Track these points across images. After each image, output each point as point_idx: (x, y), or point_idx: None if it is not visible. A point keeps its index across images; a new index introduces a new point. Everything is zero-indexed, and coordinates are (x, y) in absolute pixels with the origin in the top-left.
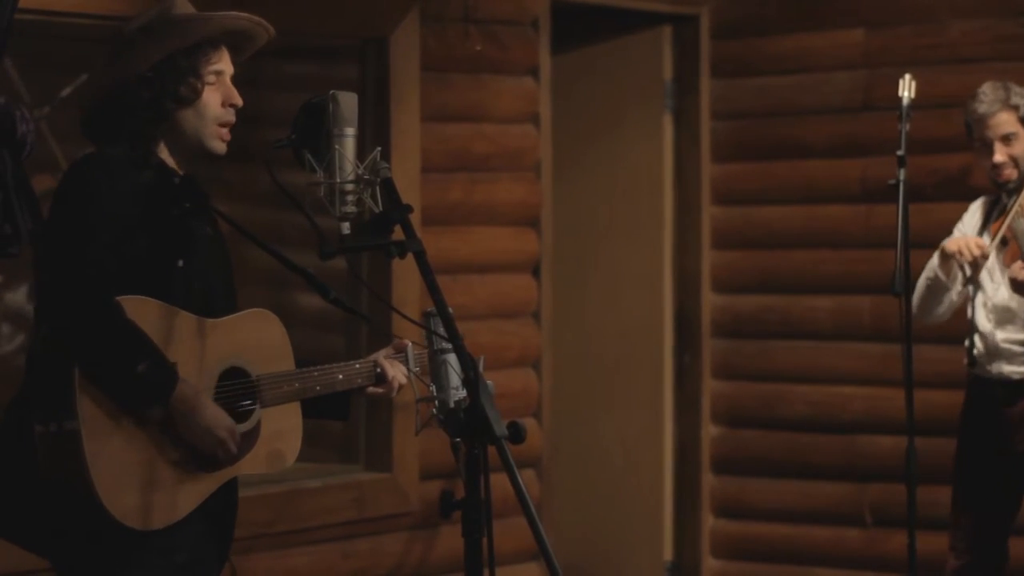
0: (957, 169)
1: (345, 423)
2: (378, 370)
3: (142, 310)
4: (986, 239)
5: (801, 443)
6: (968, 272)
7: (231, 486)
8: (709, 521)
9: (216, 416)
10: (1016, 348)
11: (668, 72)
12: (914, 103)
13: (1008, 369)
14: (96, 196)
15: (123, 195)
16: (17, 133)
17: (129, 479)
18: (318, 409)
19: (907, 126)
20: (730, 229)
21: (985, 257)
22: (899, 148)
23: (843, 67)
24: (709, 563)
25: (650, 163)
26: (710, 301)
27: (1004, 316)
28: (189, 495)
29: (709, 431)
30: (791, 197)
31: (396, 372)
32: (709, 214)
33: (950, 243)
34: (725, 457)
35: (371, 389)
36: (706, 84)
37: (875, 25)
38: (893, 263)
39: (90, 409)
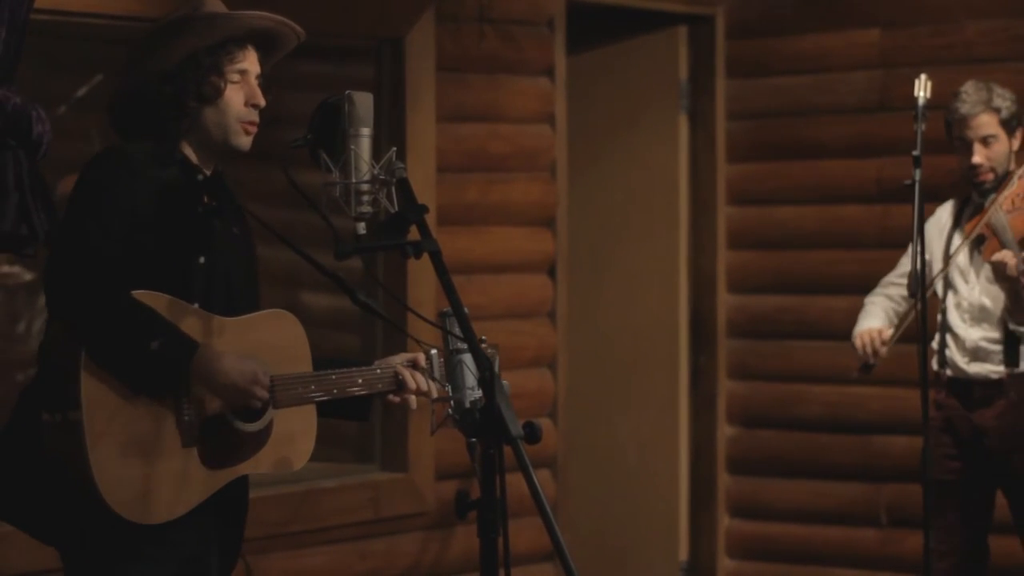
0: None
1: (364, 423)
2: (399, 378)
3: (153, 303)
4: (958, 239)
5: (817, 443)
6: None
7: (241, 483)
8: (724, 521)
9: (237, 368)
10: (993, 347)
11: (683, 72)
12: (930, 103)
13: (986, 368)
14: (110, 189)
15: (141, 190)
16: (33, 133)
17: (131, 472)
18: (337, 409)
19: (923, 126)
20: (745, 229)
21: (876, 352)
22: (915, 148)
23: (859, 67)
24: (724, 563)
25: (665, 163)
26: (725, 301)
27: (980, 315)
28: (193, 491)
29: (725, 431)
30: (807, 197)
31: (419, 383)
32: (724, 214)
33: (856, 338)
34: (741, 457)
35: (390, 397)
36: (721, 84)
37: (891, 25)
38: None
39: (95, 399)
